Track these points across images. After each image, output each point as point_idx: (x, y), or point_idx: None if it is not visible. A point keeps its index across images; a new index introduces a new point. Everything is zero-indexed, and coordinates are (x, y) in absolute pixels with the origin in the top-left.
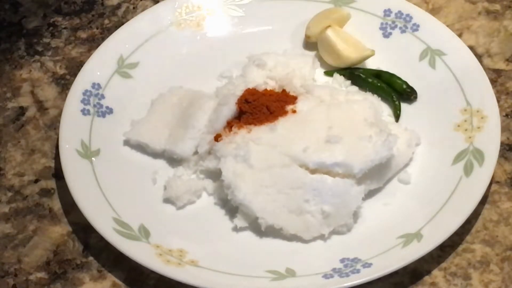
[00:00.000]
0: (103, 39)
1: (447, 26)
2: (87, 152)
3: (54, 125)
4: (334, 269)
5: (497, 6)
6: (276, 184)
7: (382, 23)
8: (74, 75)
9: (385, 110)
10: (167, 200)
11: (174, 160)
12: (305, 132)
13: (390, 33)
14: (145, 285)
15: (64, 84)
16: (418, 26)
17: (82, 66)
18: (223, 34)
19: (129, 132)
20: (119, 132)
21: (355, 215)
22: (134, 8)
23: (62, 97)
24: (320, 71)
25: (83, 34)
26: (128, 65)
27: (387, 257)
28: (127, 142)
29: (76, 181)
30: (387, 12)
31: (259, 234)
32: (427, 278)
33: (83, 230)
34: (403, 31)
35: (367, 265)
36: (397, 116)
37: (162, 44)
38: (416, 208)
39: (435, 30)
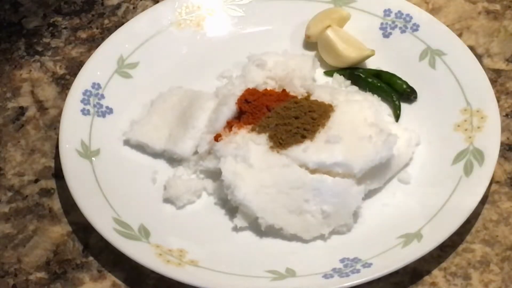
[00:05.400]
0: (103, 39)
1: (447, 26)
2: (87, 152)
3: (54, 125)
4: (334, 269)
5: (497, 6)
6: (276, 184)
7: (382, 23)
8: (74, 75)
9: (385, 110)
10: (167, 200)
11: (174, 160)
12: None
13: (390, 33)
14: (145, 285)
15: (64, 84)
16: (418, 26)
17: (82, 66)
18: (223, 34)
19: (129, 132)
20: (119, 132)
21: (355, 215)
22: (134, 8)
23: (62, 97)
24: (320, 71)
25: (83, 34)
26: (128, 65)
27: (387, 257)
28: (127, 142)
29: (76, 181)
30: (387, 12)
31: (259, 234)
32: (427, 278)
33: (83, 230)
34: (403, 31)
35: (367, 265)
36: (397, 116)
37: (162, 44)
38: (416, 208)
39: (435, 30)
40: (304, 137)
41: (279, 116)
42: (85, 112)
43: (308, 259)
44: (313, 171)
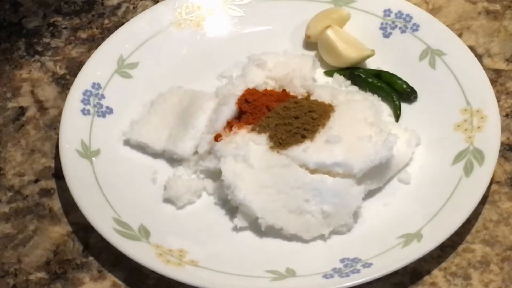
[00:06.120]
0: (103, 39)
1: (447, 26)
2: (87, 152)
3: (54, 125)
4: (334, 269)
5: (497, 6)
6: (276, 184)
7: (382, 23)
8: (74, 75)
9: (385, 110)
10: (167, 200)
11: (174, 160)
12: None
13: (390, 33)
14: (145, 285)
15: (64, 84)
16: (418, 26)
17: (82, 66)
18: (223, 34)
19: (129, 132)
20: (119, 132)
21: (355, 215)
22: (134, 8)
23: (62, 97)
24: (320, 71)
25: (83, 34)
26: (128, 65)
27: (387, 257)
28: (127, 142)
29: (76, 181)
30: (387, 12)
31: (259, 234)
32: (427, 278)
33: (83, 230)
34: (403, 31)
35: (367, 265)
36: (397, 116)
37: (162, 44)
38: (416, 208)
39: (435, 30)
40: (304, 137)
41: (279, 116)
42: (85, 112)
43: (308, 259)
44: (313, 171)
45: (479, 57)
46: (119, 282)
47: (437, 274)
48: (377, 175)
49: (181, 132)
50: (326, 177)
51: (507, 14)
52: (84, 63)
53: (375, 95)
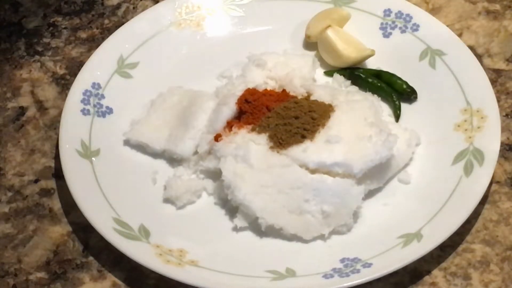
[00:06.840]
0: (103, 39)
1: (447, 26)
2: (87, 152)
3: (54, 125)
4: (334, 269)
5: (497, 6)
6: (276, 184)
7: (382, 23)
8: (74, 75)
9: (385, 110)
10: (167, 200)
11: (174, 160)
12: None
13: (390, 33)
14: (145, 285)
15: (64, 84)
16: (418, 26)
17: (82, 66)
18: (223, 34)
19: (129, 132)
20: (119, 132)
21: (355, 215)
22: (134, 8)
23: (62, 97)
24: (320, 71)
25: (83, 34)
26: (128, 65)
27: (387, 257)
28: (127, 142)
29: (76, 181)
30: (387, 12)
31: (259, 234)
32: (427, 278)
33: (83, 230)
34: (403, 31)
35: (367, 265)
36: (397, 116)
37: (162, 44)
38: (416, 208)
39: (435, 30)
40: (304, 137)
41: (279, 116)
42: (85, 112)
43: (308, 259)
44: (313, 171)
45: (479, 57)
46: (119, 282)
47: (437, 274)
48: (377, 175)
49: (181, 132)
50: (326, 177)
51: (507, 14)
52: (84, 63)
53: (375, 95)
